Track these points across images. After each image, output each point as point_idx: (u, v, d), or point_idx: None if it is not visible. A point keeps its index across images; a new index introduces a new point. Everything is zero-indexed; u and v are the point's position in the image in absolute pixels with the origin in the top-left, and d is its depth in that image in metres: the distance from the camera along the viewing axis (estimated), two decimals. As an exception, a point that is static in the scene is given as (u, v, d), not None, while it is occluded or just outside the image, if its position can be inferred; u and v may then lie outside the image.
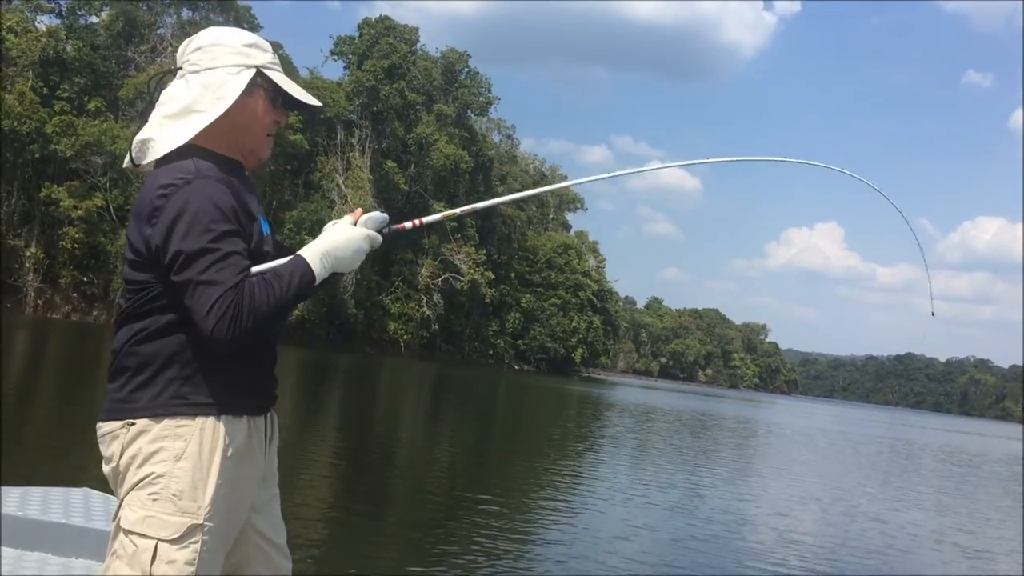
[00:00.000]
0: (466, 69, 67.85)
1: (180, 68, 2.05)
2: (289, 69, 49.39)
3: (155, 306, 1.91)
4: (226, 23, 48.70)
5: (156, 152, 1.98)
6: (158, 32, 51.49)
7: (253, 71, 2.02)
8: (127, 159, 2.05)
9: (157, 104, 2.05)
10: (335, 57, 64.61)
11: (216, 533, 1.89)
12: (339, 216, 2.16)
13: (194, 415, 1.90)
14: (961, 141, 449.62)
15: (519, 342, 74.17)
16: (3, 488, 3.66)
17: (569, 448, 18.38)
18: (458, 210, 2.31)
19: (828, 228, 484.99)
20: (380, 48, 60.81)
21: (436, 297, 61.95)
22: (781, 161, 2.62)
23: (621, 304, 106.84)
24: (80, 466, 7.83)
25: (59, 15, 49.94)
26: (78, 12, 49.87)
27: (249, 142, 2.06)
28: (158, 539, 1.84)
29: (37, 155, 43.61)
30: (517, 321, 72.98)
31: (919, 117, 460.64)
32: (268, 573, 2.07)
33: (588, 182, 2.58)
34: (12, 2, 47.26)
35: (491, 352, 71.58)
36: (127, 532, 1.86)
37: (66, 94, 45.63)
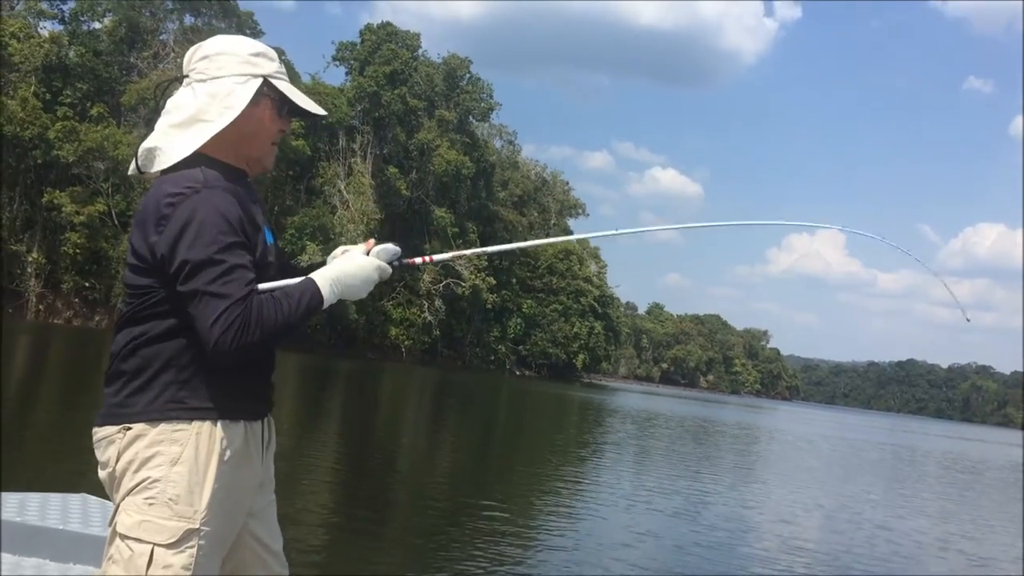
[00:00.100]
0: (467, 75, 68.04)
1: (186, 76, 2.03)
2: (291, 75, 49.20)
3: (155, 311, 1.90)
4: (228, 28, 48.87)
5: (163, 162, 1.97)
6: (160, 38, 51.66)
7: (260, 80, 2.02)
8: (132, 166, 2.04)
9: (163, 112, 2.04)
10: (337, 63, 64.96)
11: (212, 538, 1.88)
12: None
13: (191, 419, 1.88)
14: (962, 147, 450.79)
15: (520, 348, 74.22)
16: (2, 494, 3.64)
17: (571, 454, 18.33)
18: (468, 251, 2.44)
19: (829, 234, 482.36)
20: (382, 54, 60.95)
21: (438, 303, 62.01)
22: (799, 225, 2.60)
23: (622, 310, 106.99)
24: (79, 471, 7.79)
25: (62, 21, 50.22)
26: (81, 18, 50.15)
27: (255, 151, 2.06)
28: (154, 544, 1.82)
29: (39, 160, 43.79)
30: (518, 327, 73.03)
31: (920, 123, 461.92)
32: (264, 579, 2.05)
33: (592, 236, 2.63)
34: (15, 8, 47.42)
35: (492, 358, 71.55)
36: (123, 537, 1.85)
37: (68, 100, 45.83)
